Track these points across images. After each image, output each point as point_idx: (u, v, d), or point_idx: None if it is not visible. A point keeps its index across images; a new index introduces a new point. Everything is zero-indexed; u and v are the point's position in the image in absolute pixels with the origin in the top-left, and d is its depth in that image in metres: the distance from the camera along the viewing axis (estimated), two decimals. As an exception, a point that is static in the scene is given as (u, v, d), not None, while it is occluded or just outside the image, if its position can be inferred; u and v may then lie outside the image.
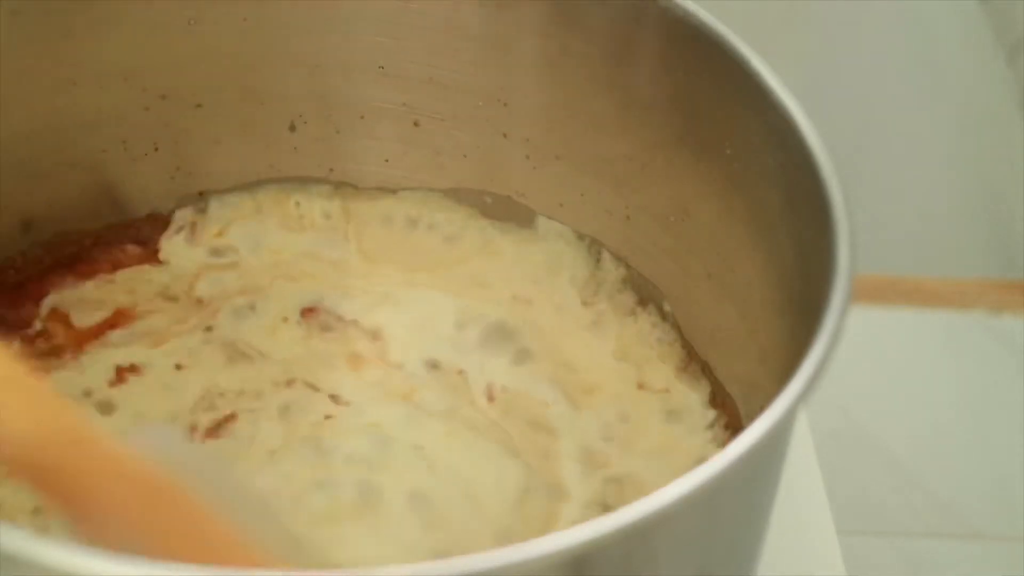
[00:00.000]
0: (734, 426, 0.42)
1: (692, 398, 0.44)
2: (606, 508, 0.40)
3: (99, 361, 0.43)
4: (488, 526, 0.39)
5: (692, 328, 0.45)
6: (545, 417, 0.43)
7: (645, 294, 0.46)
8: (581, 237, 0.48)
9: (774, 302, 0.39)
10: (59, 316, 0.45)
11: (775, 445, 0.34)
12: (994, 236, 0.94)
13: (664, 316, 0.46)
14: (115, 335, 0.44)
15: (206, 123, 0.47)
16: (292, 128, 0.48)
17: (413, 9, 0.45)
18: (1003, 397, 0.82)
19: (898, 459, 0.80)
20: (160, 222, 0.48)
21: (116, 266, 0.47)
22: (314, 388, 0.43)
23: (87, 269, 0.46)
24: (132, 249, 0.47)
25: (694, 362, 0.45)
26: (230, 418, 0.42)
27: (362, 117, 0.48)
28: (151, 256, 0.47)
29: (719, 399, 0.43)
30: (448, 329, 0.46)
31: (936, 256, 0.92)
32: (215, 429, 0.42)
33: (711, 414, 0.43)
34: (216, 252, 0.48)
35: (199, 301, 0.46)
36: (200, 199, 0.49)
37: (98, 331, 0.44)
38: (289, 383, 0.43)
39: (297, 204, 0.49)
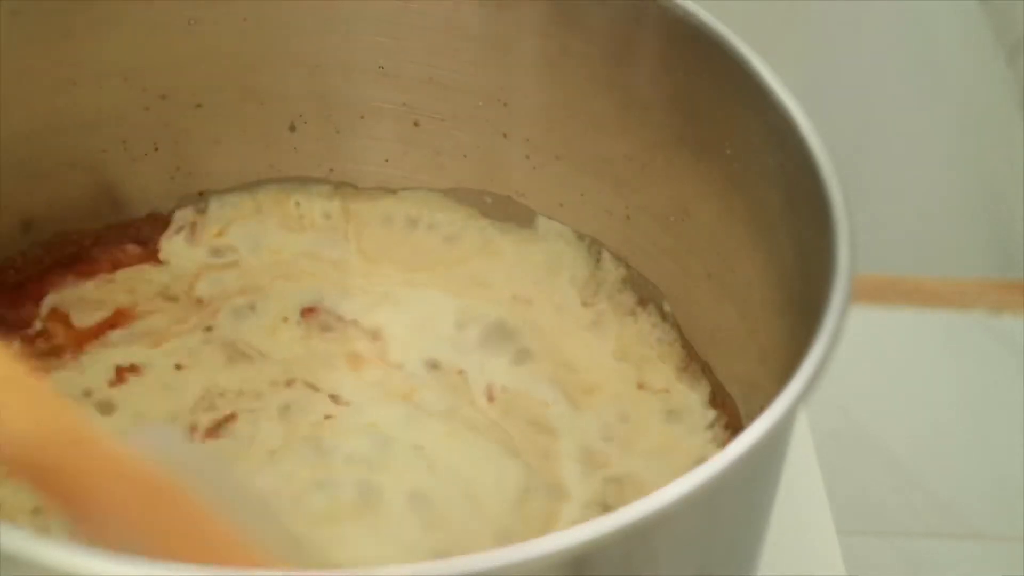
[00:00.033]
0: (734, 426, 0.42)
1: (692, 398, 0.44)
2: (606, 508, 0.40)
3: (99, 361, 0.43)
4: (488, 526, 0.39)
5: (692, 328, 0.45)
6: (545, 417, 0.43)
7: (645, 294, 0.46)
8: (581, 237, 0.48)
9: (774, 302, 0.39)
10: (59, 316, 0.45)
11: (775, 445, 0.34)
12: (994, 236, 0.94)
13: (664, 316, 0.46)
14: (115, 335, 0.44)
15: (206, 123, 0.47)
16: (292, 128, 0.48)
17: (413, 9, 0.45)
18: (1003, 397, 0.81)
19: (898, 459, 0.80)
20: (160, 222, 0.48)
21: (116, 266, 0.47)
22: (314, 388, 0.43)
23: (87, 269, 0.46)
24: (132, 249, 0.47)
25: (694, 362, 0.44)
26: (230, 418, 0.42)
27: (362, 117, 0.48)
28: (151, 256, 0.47)
29: (719, 399, 0.43)
30: (448, 329, 0.46)
31: (936, 256, 0.92)
32: (215, 429, 0.42)
33: (711, 414, 0.43)
34: (216, 252, 0.48)
35: (199, 301, 0.46)
36: (200, 199, 0.49)
37: (98, 331, 0.44)
38: (289, 383, 0.43)
39: (297, 204, 0.49)
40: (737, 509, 0.33)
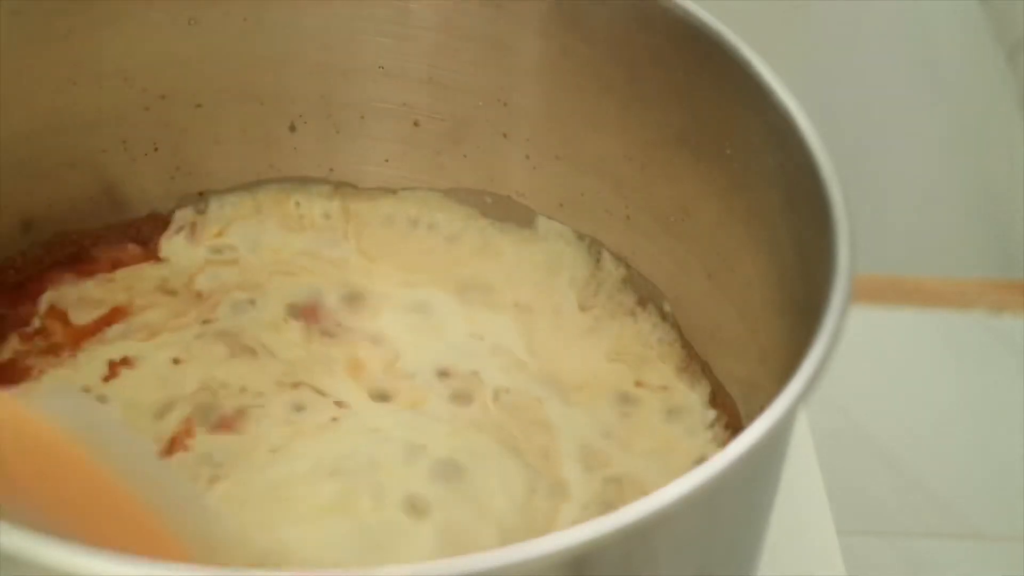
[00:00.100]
0: (734, 426, 0.42)
1: (692, 398, 0.44)
2: (606, 508, 0.40)
3: (95, 358, 0.43)
4: (492, 526, 0.39)
5: (692, 328, 0.45)
6: (545, 417, 0.43)
7: (645, 294, 0.46)
8: (581, 237, 0.48)
9: (774, 302, 0.39)
10: (58, 314, 0.45)
11: (775, 445, 0.34)
12: (994, 236, 0.94)
13: (664, 316, 0.46)
14: (112, 331, 0.44)
15: (206, 123, 0.47)
16: (292, 128, 0.48)
17: (413, 9, 0.45)
18: (1003, 397, 0.81)
19: (898, 459, 0.79)
20: (160, 222, 0.48)
21: (116, 266, 0.47)
22: (314, 388, 0.43)
23: (87, 269, 0.46)
24: (132, 249, 0.47)
25: (694, 362, 0.44)
26: (237, 416, 0.42)
27: (362, 117, 0.48)
28: (151, 256, 0.47)
29: (719, 399, 0.43)
30: (449, 332, 0.45)
31: (936, 256, 0.92)
32: (218, 426, 0.42)
33: (711, 414, 0.43)
34: (216, 252, 0.48)
35: (198, 295, 0.46)
36: (200, 199, 0.49)
37: (95, 328, 0.44)
38: (290, 382, 0.43)
39: (297, 204, 0.49)
40: (737, 509, 0.33)
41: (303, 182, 0.49)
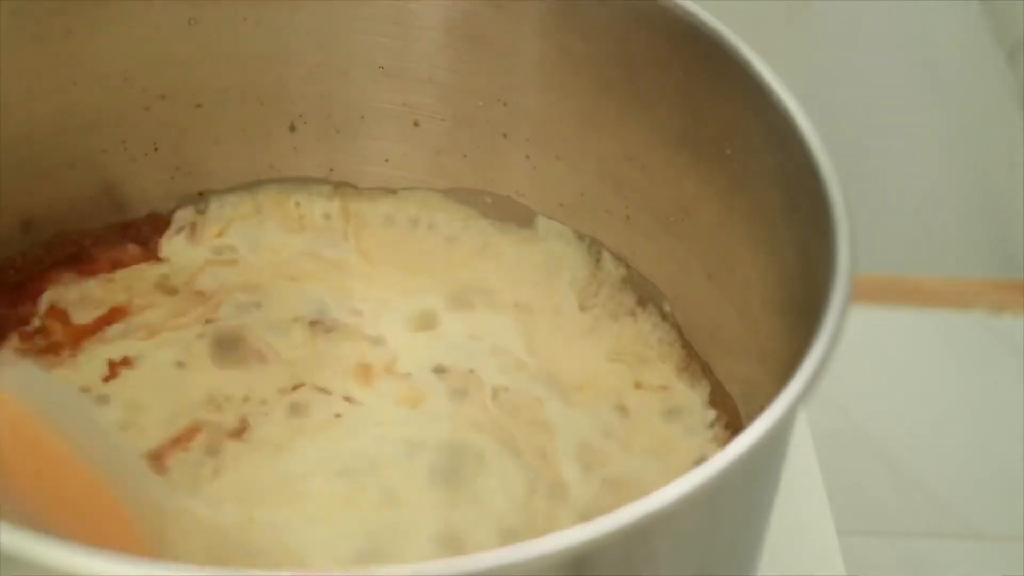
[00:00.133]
0: (734, 426, 0.42)
1: (692, 398, 0.44)
2: (606, 508, 0.40)
3: (95, 357, 0.43)
4: (493, 526, 0.39)
5: (692, 328, 0.45)
6: (545, 417, 0.43)
7: (645, 294, 0.46)
8: (581, 237, 0.48)
9: (774, 302, 0.39)
10: (58, 313, 0.45)
11: (775, 445, 0.34)
12: (994, 236, 0.94)
13: (664, 316, 0.46)
14: (112, 330, 0.44)
15: (206, 123, 0.47)
16: (292, 128, 0.48)
17: (413, 9, 0.45)
18: (1003, 397, 0.81)
19: (898, 459, 0.79)
20: (160, 222, 0.48)
21: (116, 266, 0.47)
22: (317, 388, 0.43)
23: (87, 269, 0.46)
24: (132, 249, 0.47)
25: (694, 362, 0.44)
26: (240, 426, 0.42)
27: (362, 117, 0.48)
28: (151, 256, 0.47)
29: (719, 399, 0.43)
30: (450, 333, 0.45)
31: (936, 256, 0.92)
32: (223, 438, 0.42)
33: (711, 414, 0.43)
34: (216, 252, 0.48)
35: (199, 294, 0.46)
36: (200, 199, 0.49)
37: (95, 327, 0.44)
38: (292, 384, 0.43)
39: (297, 204, 0.49)
40: (737, 509, 0.33)
41: (303, 182, 0.49)
